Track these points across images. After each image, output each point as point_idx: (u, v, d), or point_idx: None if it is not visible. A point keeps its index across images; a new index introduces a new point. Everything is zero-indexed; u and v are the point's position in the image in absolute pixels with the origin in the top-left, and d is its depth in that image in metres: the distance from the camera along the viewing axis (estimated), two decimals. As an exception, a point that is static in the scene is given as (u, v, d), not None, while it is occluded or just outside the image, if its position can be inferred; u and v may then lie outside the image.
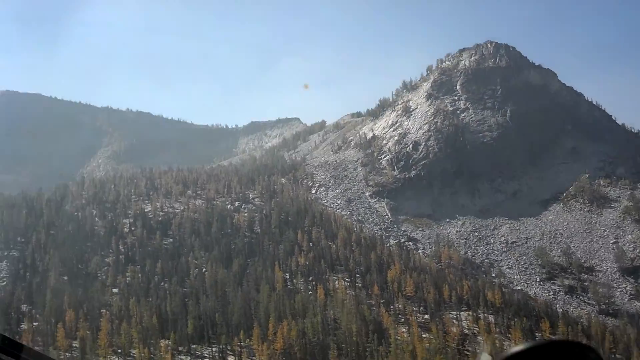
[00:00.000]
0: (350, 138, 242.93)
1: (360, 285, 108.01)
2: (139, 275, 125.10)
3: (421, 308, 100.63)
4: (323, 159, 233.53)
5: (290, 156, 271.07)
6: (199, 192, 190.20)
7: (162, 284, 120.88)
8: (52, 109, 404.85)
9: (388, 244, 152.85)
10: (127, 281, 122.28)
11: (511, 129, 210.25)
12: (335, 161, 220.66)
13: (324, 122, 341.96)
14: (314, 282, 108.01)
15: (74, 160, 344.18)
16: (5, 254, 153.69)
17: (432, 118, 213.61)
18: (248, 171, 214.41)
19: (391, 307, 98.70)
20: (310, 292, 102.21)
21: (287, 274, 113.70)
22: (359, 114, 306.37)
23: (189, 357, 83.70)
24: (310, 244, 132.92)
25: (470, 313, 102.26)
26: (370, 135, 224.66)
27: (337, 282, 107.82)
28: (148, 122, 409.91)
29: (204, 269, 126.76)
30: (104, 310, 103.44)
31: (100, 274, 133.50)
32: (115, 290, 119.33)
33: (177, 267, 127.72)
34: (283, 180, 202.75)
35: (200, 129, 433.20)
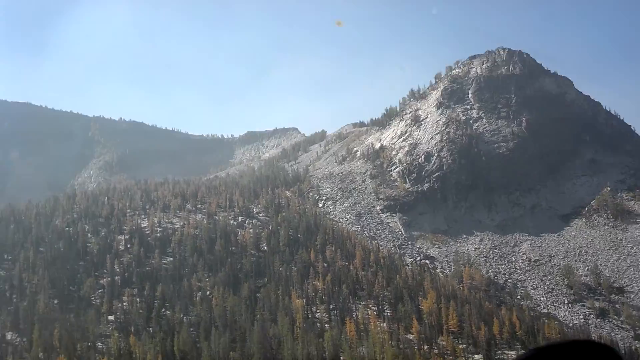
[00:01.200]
0: (355, 148, 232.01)
1: (389, 315, 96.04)
2: (137, 300, 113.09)
3: (470, 346, 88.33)
4: (327, 170, 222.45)
5: (291, 167, 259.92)
6: (199, 205, 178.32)
7: (163, 310, 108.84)
8: (42, 118, 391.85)
9: (404, 263, 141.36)
10: (125, 307, 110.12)
11: (527, 139, 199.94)
12: (342, 173, 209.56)
13: (324, 132, 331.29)
14: (336, 312, 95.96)
15: (64, 172, 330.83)
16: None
17: (444, 128, 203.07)
18: (249, 183, 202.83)
19: (434, 344, 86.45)
20: (333, 324, 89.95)
21: (304, 299, 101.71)
22: (362, 124, 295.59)
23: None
24: (325, 264, 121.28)
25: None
26: (377, 145, 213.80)
27: (363, 312, 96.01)
28: (141, 132, 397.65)
29: (209, 293, 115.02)
30: (100, 345, 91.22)
31: (94, 297, 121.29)
32: (111, 317, 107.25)
33: (179, 290, 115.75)
34: (288, 193, 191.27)
35: (195, 139, 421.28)
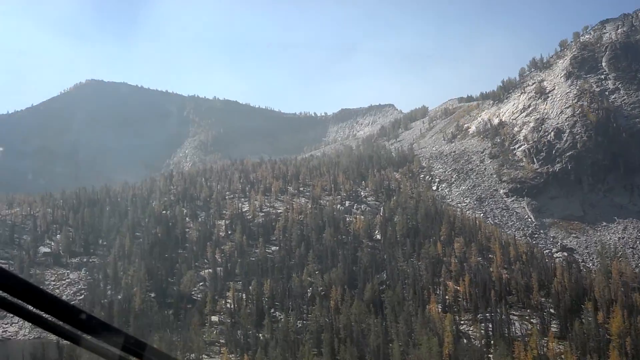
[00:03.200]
0: (466, 125, 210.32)
1: (556, 330, 76.35)
2: (243, 296, 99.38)
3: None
4: (435, 148, 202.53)
5: (392, 145, 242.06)
6: (302, 188, 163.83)
7: (273, 311, 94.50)
8: (138, 97, 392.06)
9: (548, 258, 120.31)
10: (230, 307, 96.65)
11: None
12: (454, 152, 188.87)
13: (425, 107, 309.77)
14: (490, 326, 77.16)
15: (160, 151, 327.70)
16: (84, 260, 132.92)
17: (575, 100, 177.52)
18: (350, 163, 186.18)
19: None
20: (492, 342, 71.39)
21: (440, 306, 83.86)
22: (469, 98, 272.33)
23: None
24: (455, 260, 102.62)
25: None
26: (496, 121, 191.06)
27: (523, 327, 76.91)
28: (235, 111, 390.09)
29: (321, 290, 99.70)
30: (204, 358, 77.49)
31: (195, 292, 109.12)
32: (215, 319, 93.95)
33: (289, 287, 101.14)
34: (396, 174, 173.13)
35: (288, 117, 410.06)
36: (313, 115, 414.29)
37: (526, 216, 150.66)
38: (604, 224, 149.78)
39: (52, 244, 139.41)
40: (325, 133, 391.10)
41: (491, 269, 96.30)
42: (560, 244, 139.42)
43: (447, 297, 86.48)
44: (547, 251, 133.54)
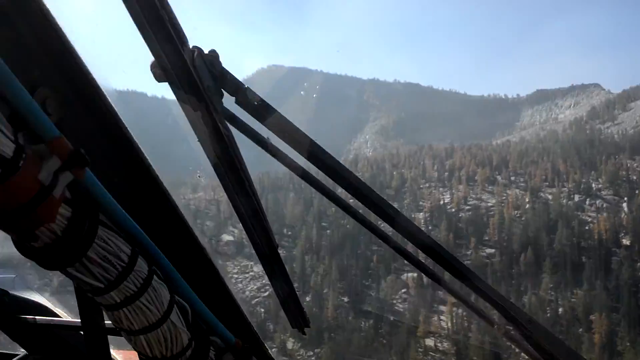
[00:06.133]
0: None
1: None
2: (462, 314, 77.30)
3: None
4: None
5: (607, 129, 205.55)
6: (513, 177, 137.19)
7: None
8: (317, 82, 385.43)
9: None
10: (447, 327, 75.07)
11: None
12: None
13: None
14: None
15: (340, 136, 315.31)
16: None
17: None
18: (567, 149, 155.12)
19: None
20: None
21: None
22: None
23: None
24: None
25: None
26: None
27: None
28: (417, 94, 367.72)
29: (563, 312, 74.52)
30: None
31: (397, 300, 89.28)
32: (429, 342, 72.92)
33: (523, 307, 76.95)
34: (634, 163, 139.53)
35: (475, 99, 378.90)
36: (503, 97, 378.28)
37: None
38: None
39: (235, 231, 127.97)
40: (517, 117, 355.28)
41: None
42: None
43: None
44: None
